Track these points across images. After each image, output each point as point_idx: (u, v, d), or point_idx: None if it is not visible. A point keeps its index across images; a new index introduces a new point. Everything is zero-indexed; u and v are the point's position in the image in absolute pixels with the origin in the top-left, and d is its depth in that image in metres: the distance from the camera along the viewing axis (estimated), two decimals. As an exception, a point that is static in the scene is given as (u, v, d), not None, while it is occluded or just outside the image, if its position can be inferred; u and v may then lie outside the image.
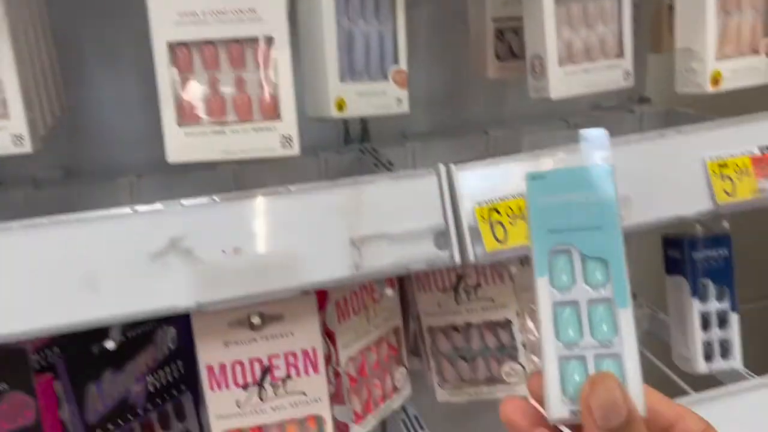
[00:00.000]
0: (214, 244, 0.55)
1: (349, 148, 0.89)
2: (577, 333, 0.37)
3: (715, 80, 0.67)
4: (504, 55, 0.77)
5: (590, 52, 0.68)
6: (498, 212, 0.60)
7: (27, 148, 0.57)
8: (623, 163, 0.64)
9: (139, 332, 0.64)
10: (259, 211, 0.56)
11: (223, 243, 0.55)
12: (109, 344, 0.57)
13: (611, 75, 0.69)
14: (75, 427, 0.62)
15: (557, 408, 0.36)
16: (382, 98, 0.63)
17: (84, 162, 0.83)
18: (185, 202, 0.55)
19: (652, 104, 0.98)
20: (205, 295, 0.54)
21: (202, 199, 0.55)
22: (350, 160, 0.86)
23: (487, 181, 0.61)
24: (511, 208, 0.61)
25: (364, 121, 0.91)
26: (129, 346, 0.63)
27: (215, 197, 0.56)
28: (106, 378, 0.61)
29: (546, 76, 0.65)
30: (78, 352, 0.59)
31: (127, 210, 0.54)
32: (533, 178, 0.38)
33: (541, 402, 0.37)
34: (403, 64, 0.64)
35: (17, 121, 0.56)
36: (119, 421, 0.63)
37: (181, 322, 0.67)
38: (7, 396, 0.55)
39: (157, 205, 0.54)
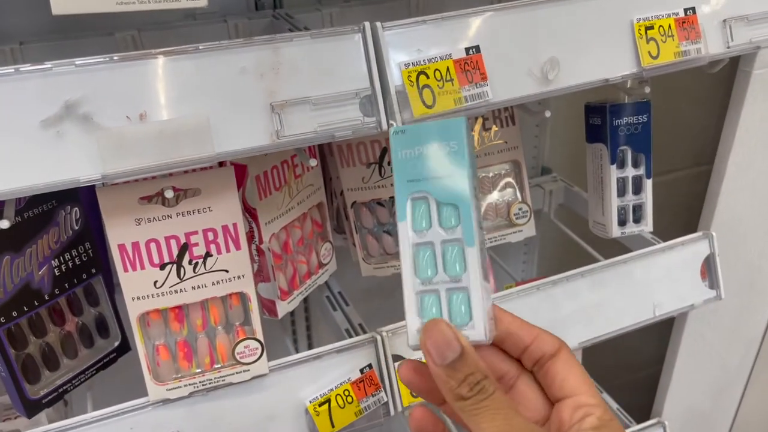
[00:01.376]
0: (116, 109, 0.49)
1: (261, 14, 0.82)
2: (433, 270, 0.41)
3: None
4: None
5: None
6: (426, 75, 0.57)
7: None
8: (551, 24, 0.62)
9: (38, 212, 0.58)
10: (166, 73, 0.50)
11: (126, 108, 0.50)
12: (3, 223, 0.51)
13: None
14: (-27, 316, 0.57)
15: (414, 336, 0.40)
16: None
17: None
18: (78, 61, 0.48)
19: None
20: (111, 166, 0.49)
21: (99, 58, 0.49)
22: (263, 27, 0.80)
23: (415, 42, 0.57)
24: (439, 71, 0.58)
25: (275, -16, 0.84)
26: (27, 227, 0.57)
27: (114, 56, 0.49)
28: (4, 262, 0.56)
29: (475, -72, 0.61)
30: (-32, 235, 0.53)
31: (9, 70, 0.47)
32: (395, 132, 0.41)
33: None
34: None
35: None
36: (24, 308, 0.58)
37: (86, 200, 0.62)
38: None
39: (46, 65, 0.47)
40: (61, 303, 0.62)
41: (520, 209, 0.81)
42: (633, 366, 1.43)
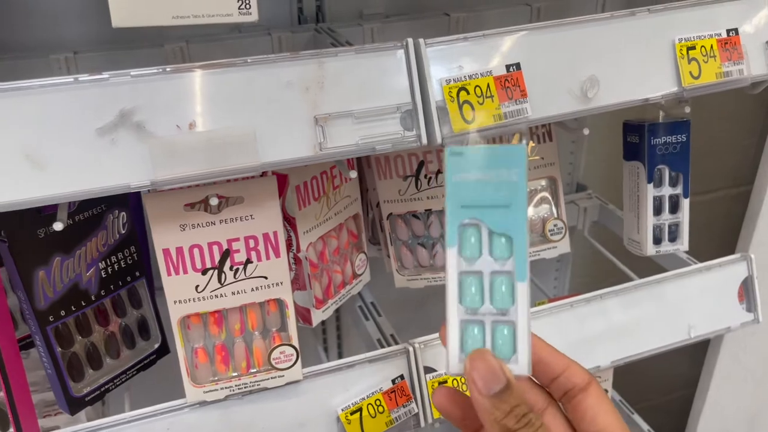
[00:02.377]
0: (167, 118, 0.51)
1: (304, 28, 0.83)
2: (479, 300, 0.40)
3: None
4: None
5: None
6: (467, 91, 0.58)
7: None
8: (592, 43, 0.62)
9: (88, 216, 0.60)
10: (215, 84, 0.52)
11: (177, 117, 0.51)
12: (57, 226, 0.53)
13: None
14: (24, 314, 0.59)
15: (455, 364, 0.40)
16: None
17: (16, 36, 0.75)
18: (134, 72, 0.50)
19: (616, -11, 0.96)
20: (160, 173, 0.51)
21: (153, 70, 0.51)
22: (305, 40, 0.82)
23: (456, 59, 0.58)
24: (479, 87, 0.59)
25: (319, 0, 0.86)
26: (77, 230, 0.59)
27: (167, 67, 0.51)
28: (55, 263, 0.58)
29: (518, -53, 0.62)
30: (23, 236, 0.56)
31: (68, 79, 0.49)
32: (453, 153, 0.39)
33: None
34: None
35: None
36: (72, 308, 0.60)
37: (133, 205, 0.64)
38: (-53, 280, 0.52)
39: (104, 75, 0.50)
40: (106, 304, 0.64)
41: (555, 225, 0.81)
42: (665, 387, 1.41)
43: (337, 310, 1.06)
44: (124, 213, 0.63)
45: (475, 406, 0.38)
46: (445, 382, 0.70)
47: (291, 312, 0.64)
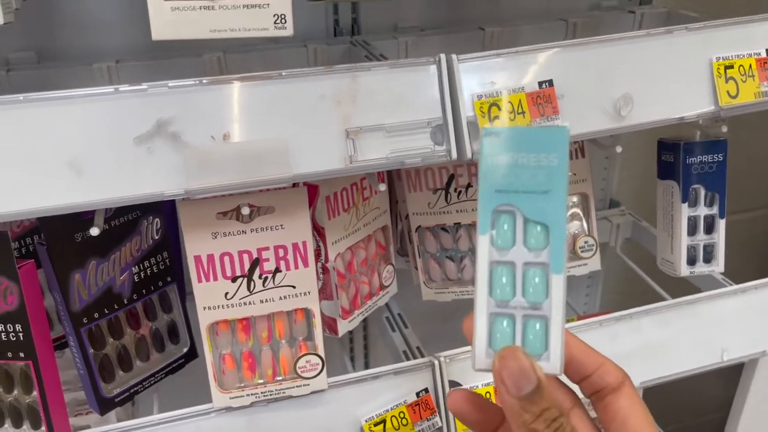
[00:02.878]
0: (202, 129, 0.52)
1: (339, 40, 0.85)
2: (510, 292, 0.37)
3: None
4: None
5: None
6: (498, 107, 0.58)
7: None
8: (627, 60, 0.62)
9: (123, 221, 0.62)
10: (250, 96, 0.53)
11: (211, 128, 0.53)
12: (94, 231, 0.55)
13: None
14: (60, 315, 0.61)
15: (482, 359, 0.37)
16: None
17: (59, 44, 0.78)
18: (171, 83, 0.52)
19: (654, 5, 0.95)
20: (194, 182, 0.52)
21: (189, 81, 0.52)
22: (341, 52, 0.83)
23: (488, 74, 0.59)
24: (511, 104, 0.59)
25: (355, 13, 0.87)
26: (112, 234, 0.61)
27: (203, 79, 0.53)
28: (91, 266, 0.60)
29: (554, -36, 0.62)
30: (60, 240, 0.57)
31: (109, 89, 0.51)
32: (488, 134, 0.37)
33: (471, 340, 0.39)
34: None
35: (-15, -11, 0.51)
36: (105, 310, 0.62)
37: (166, 212, 0.66)
38: (-12, 280, 0.54)
39: (142, 86, 0.51)
40: (138, 308, 0.65)
41: (585, 242, 0.81)
42: (697, 409, 1.38)
43: (364, 320, 1.06)
44: (158, 219, 0.65)
45: (502, 407, 0.36)
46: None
47: (317, 321, 0.65)
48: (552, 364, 0.36)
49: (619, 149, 0.68)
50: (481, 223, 0.37)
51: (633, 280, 1.00)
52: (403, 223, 0.81)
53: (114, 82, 0.75)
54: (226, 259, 0.60)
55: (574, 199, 0.81)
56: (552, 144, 0.36)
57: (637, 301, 0.77)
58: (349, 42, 0.83)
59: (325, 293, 0.71)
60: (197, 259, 0.60)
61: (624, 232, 1.09)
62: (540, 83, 0.59)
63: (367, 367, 1.11)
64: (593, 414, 0.41)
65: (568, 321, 0.90)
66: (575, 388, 0.41)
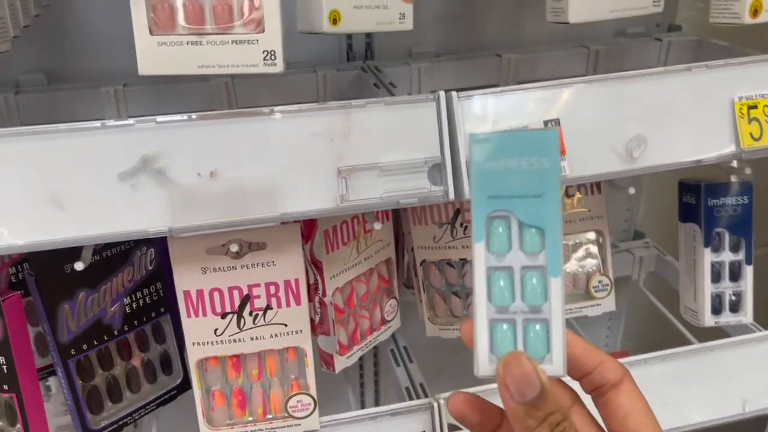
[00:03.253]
0: (189, 165, 0.51)
1: (351, 66, 0.83)
2: (509, 297, 0.38)
3: (755, 10, 0.60)
4: (523, -30, 0.70)
5: (621, -30, 0.61)
6: (500, 147, 0.56)
7: (-11, 49, 0.52)
8: (642, 99, 0.59)
9: (115, 252, 0.61)
10: (240, 133, 0.52)
11: (198, 165, 0.51)
12: (78, 265, 0.54)
13: (639, -1, 0.62)
14: (48, 346, 0.60)
15: (485, 366, 0.37)
16: (383, 13, 0.57)
17: (68, 66, 0.78)
18: (159, 118, 0.51)
19: (683, 33, 0.90)
20: (178, 220, 0.51)
21: (178, 116, 0.51)
22: (350, 79, 0.81)
23: (491, 113, 0.56)
24: (514, 143, 0.56)
25: (369, 37, 0.85)
26: (104, 266, 0.60)
27: (192, 115, 0.51)
28: (80, 297, 0.59)
29: (566, -4, 0.59)
30: (50, 271, 0.57)
31: (95, 124, 0.49)
32: (477, 141, 0.37)
33: (471, 345, 0.39)
34: (407, -25, 0.57)
35: (-21, 18, 0.51)
36: (94, 342, 0.61)
37: (161, 243, 0.64)
38: (-28, 312, 0.53)
39: (129, 121, 0.50)
40: (129, 338, 0.64)
41: (600, 282, 0.77)
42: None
43: (374, 349, 1.04)
44: (152, 250, 0.64)
45: (507, 413, 0.36)
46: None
47: (310, 361, 0.63)
48: (555, 366, 0.37)
49: (632, 191, 0.64)
50: (476, 231, 0.37)
51: (657, 315, 0.96)
52: (409, 255, 0.78)
53: (120, 106, 0.75)
54: (216, 294, 0.59)
55: (589, 235, 0.78)
56: (543, 147, 0.36)
57: (661, 340, 0.73)
58: (360, 68, 0.81)
59: (322, 328, 0.69)
60: (186, 294, 0.59)
61: (648, 266, 1.04)
62: (546, 122, 0.57)
63: (377, 399, 1.09)
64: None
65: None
66: (575, 384, 0.41)
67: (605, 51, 0.86)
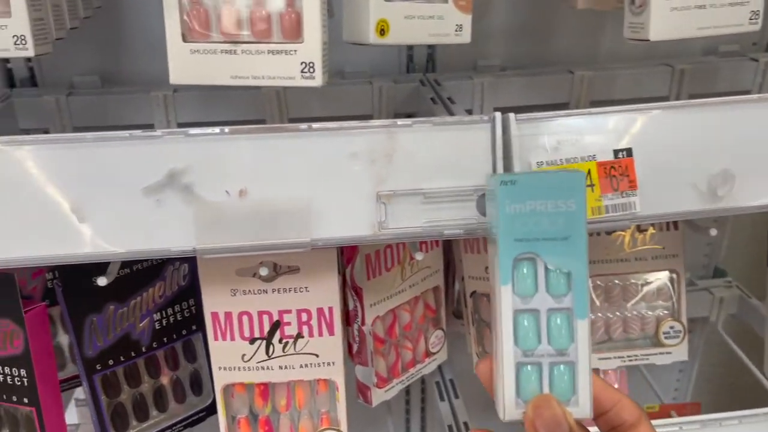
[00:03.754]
0: (217, 182, 0.48)
1: (410, 78, 0.78)
2: (535, 340, 0.38)
3: None
4: (601, -20, 0.63)
5: (710, -18, 0.54)
6: (561, 177, 0.50)
7: (29, 51, 0.50)
8: (731, 129, 0.51)
9: (146, 265, 0.58)
10: (274, 150, 0.48)
11: (228, 183, 0.48)
12: (101, 281, 0.52)
13: (733, 15, 0.54)
14: (75, 358, 0.58)
15: (511, 410, 0.37)
16: (438, 24, 0.52)
17: (122, 68, 0.77)
18: (190, 131, 0.47)
19: (783, 53, 0.81)
20: (203, 240, 0.48)
21: (209, 130, 0.48)
22: (408, 92, 0.76)
23: (553, 137, 0.50)
24: (578, 174, 0.50)
25: (431, 48, 0.80)
26: (134, 279, 0.58)
27: (225, 129, 0.48)
28: (109, 311, 0.57)
29: (647, 11, 0.52)
30: (78, 282, 0.55)
31: (123, 134, 0.47)
32: (504, 182, 0.37)
33: (489, 385, 0.40)
34: (468, -16, 0.52)
35: (19, 20, 0.49)
36: (121, 358, 0.59)
37: (195, 258, 0.62)
38: (-6, 322, 0.52)
39: (157, 132, 0.47)
40: (158, 355, 0.62)
41: (671, 328, 0.69)
42: None
43: (422, 380, 0.98)
44: (185, 265, 0.61)
45: None
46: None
47: (341, 396, 0.58)
48: (582, 408, 0.37)
49: (713, 233, 0.57)
50: (503, 273, 0.38)
51: (735, 364, 0.86)
52: (460, 284, 0.73)
53: (169, 111, 0.73)
54: (245, 318, 0.56)
55: (661, 275, 0.70)
56: (570, 189, 0.37)
57: (738, 392, 0.64)
58: (419, 80, 0.76)
59: (360, 358, 0.65)
60: (214, 315, 0.55)
61: (728, 308, 0.94)
62: (616, 152, 0.50)
63: (423, 423, 1.03)
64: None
65: (648, 408, 0.78)
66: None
67: (692, 71, 0.78)
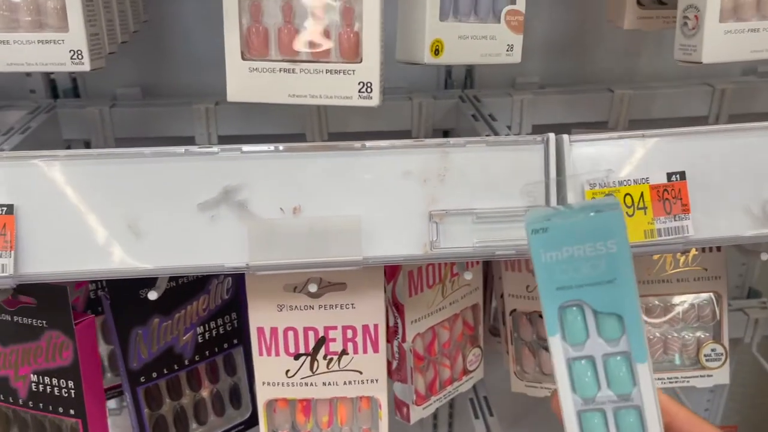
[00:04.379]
0: (272, 200, 0.48)
1: (449, 94, 0.78)
2: (594, 387, 0.36)
3: None
4: (647, 1, 0.63)
5: (763, 5, 0.54)
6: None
7: (85, 66, 0.51)
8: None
9: (191, 279, 0.59)
10: (327, 168, 0.48)
11: (282, 200, 0.48)
12: (152, 295, 0.52)
13: (787, 38, 0.54)
14: (119, 369, 0.58)
15: None
16: (491, 44, 0.52)
17: (164, 81, 0.77)
18: (245, 148, 0.48)
19: (826, 75, 0.80)
20: (256, 257, 0.48)
21: (264, 147, 0.48)
22: (447, 108, 0.76)
23: (606, 159, 0.50)
24: (631, 196, 0.49)
25: (470, 64, 0.80)
26: (179, 292, 0.58)
27: (280, 146, 0.48)
28: (153, 324, 0.57)
29: (700, 34, 0.52)
30: (126, 295, 0.55)
31: (179, 150, 0.47)
32: (535, 231, 0.35)
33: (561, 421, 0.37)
34: (520, 4, 0.52)
35: (76, 35, 0.50)
36: (164, 370, 0.59)
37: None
38: (45, 333, 0.52)
39: (213, 149, 0.47)
40: (200, 368, 0.62)
41: (713, 350, 0.68)
42: None
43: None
44: (229, 278, 0.61)
45: None
46: None
47: (384, 413, 0.58)
48: None
49: (765, 257, 0.56)
50: (549, 324, 0.36)
51: (769, 387, 0.85)
52: (498, 301, 0.72)
53: (210, 124, 0.73)
54: (290, 334, 0.56)
55: (703, 296, 0.69)
56: (607, 230, 0.34)
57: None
58: (458, 96, 0.76)
59: (399, 375, 0.65)
60: (260, 331, 0.55)
61: (763, 329, 0.93)
62: (669, 175, 0.50)
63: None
64: None
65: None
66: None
67: (733, 91, 0.78)
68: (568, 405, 0.36)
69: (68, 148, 0.75)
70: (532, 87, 0.79)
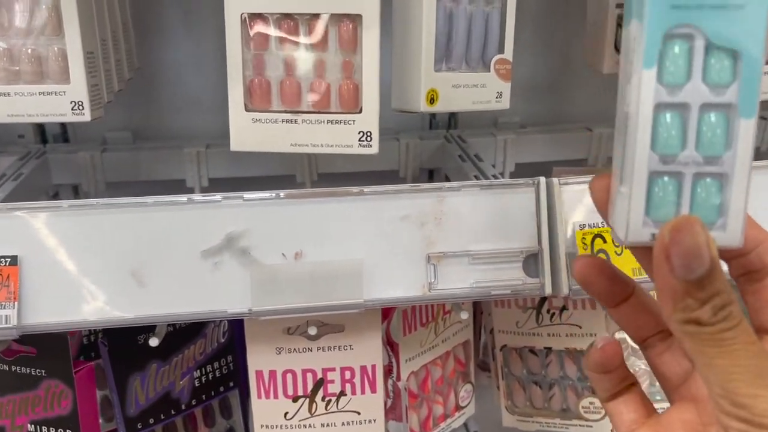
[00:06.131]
0: (274, 246, 0.49)
1: (434, 134, 0.80)
2: (679, 144, 0.30)
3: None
4: (624, 46, 0.67)
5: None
6: (603, 239, 0.51)
7: (86, 116, 0.52)
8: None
9: (189, 324, 0.59)
10: (328, 214, 0.49)
11: (284, 246, 0.49)
12: (153, 341, 0.52)
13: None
14: (116, 416, 0.58)
15: (637, 230, 0.30)
16: (481, 91, 0.55)
17: (154, 125, 0.78)
18: (246, 195, 0.49)
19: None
20: (259, 302, 0.49)
21: (266, 194, 0.49)
22: (433, 148, 0.78)
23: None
24: (618, 236, 0.52)
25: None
26: (177, 337, 0.58)
27: (280, 193, 0.49)
28: (151, 369, 0.57)
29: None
30: (124, 342, 0.55)
31: (182, 198, 0.48)
32: None
33: (602, 206, 0.34)
34: (508, 53, 0.55)
35: (78, 87, 0.51)
36: (161, 416, 0.59)
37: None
38: (44, 382, 0.52)
39: (216, 197, 0.48)
40: (196, 412, 0.62)
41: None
42: None
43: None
44: (225, 322, 0.61)
45: (659, 288, 0.29)
46: None
47: (382, 452, 0.59)
48: (730, 234, 0.30)
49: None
50: (647, 52, 0.29)
51: None
52: (487, 336, 0.74)
53: (201, 167, 0.74)
54: (289, 376, 0.56)
55: None
56: None
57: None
58: (443, 137, 0.79)
59: (394, 413, 0.65)
60: (258, 374, 0.56)
61: None
62: (653, 215, 0.52)
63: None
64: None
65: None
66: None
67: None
68: (642, 162, 0.30)
69: (57, 193, 0.75)
70: (514, 126, 0.82)
